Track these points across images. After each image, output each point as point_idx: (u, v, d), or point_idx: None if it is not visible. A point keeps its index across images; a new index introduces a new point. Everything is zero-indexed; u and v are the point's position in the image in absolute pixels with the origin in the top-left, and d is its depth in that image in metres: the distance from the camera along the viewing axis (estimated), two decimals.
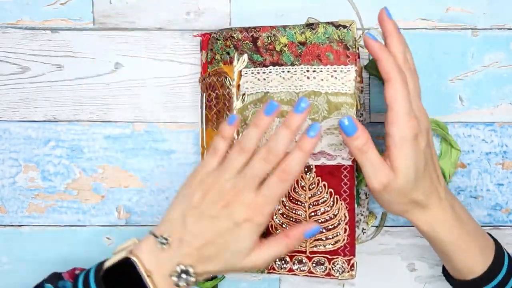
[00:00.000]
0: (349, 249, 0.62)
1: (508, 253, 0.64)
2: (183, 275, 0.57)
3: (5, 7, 0.73)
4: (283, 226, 0.64)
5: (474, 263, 0.62)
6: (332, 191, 0.63)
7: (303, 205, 0.63)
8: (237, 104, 0.66)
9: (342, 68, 0.62)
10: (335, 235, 0.63)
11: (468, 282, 0.62)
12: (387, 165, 0.58)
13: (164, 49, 0.73)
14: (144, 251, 0.58)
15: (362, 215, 0.70)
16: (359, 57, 0.65)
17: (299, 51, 0.63)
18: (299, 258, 0.64)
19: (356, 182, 0.64)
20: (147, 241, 0.59)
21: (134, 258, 0.57)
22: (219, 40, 0.67)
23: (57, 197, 0.74)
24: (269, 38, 0.64)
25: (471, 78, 0.73)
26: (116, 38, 0.73)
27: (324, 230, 0.63)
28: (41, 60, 0.73)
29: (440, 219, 0.61)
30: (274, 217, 0.65)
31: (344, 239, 0.62)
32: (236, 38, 0.66)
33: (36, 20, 0.73)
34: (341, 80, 0.62)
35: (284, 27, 0.64)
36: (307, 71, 0.63)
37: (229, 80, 0.66)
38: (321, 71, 0.63)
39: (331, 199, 0.63)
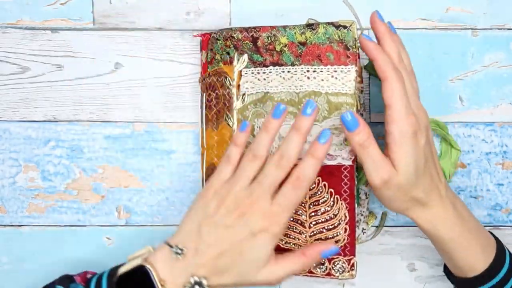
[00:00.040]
0: (349, 249, 0.63)
1: (509, 251, 0.64)
2: (197, 287, 0.57)
3: (5, 7, 0.73)
4: None
5: (476, 260, 0.62)
6: (333, 191, 0.63)
7: (303, 205, 0.63)
8: (237, 104, 0.66)
9: (342, 68, 0.62)
10: (335, 235, 0.63)
11: (470, 280, 0.62)
12: (388, 161, 0.58)
13: (164, 49, 0.73)
14: (159, 260, 0.58)
15: (362, 215, 0.70)
16: (359, 57, 0.65)
17: (299, 51, 0.63)
18: None
19: (356, 182, 0.64)
20: (162, 251, 0.58)
21: (148, 266, 0.57)
22: (219, 40, 0.67)
23: (57, 197, 0.74)
24: (269, 38, 0.64)
25: (471, 78, 0.73)
26: (116, 38, 0.73)
27: (324, 231, 0.63)
28: (41, 60, 0.73)
29: (441, 217, 0.61)
30: None
31: (344, 239, 0.63)
32: (236, 38, 0.66)
33: (36, 20, 0.73)
34: (341, 81, 0.62)
35: (284, 27, 0.64)
36: (307, 71, 0.63)
37: (229, 80, 0.66)
38: (321, 71, 0.63)
39: (332, 199, 0.63)
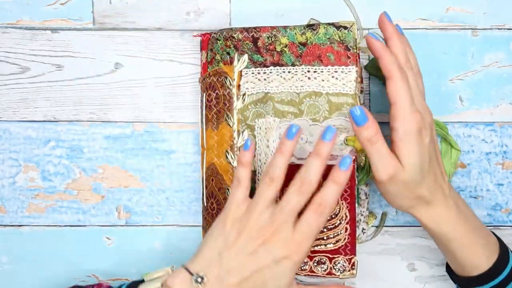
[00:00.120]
0: (350, 248, 0.63)
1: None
2: None
3: (5, 7, 0.73)
4: None
5: (479, 259, 0.62)
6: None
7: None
8: (237, 104, 0.66)
9: (343, 68, 0.62)
10: (336, 234, 0.63)
11: (473, 279, 0.63)
12: (395, 157, 0.58)
13: (164, 49, 0.73)
14: (177, 285, 0.57)
15: (362, 215, 0.70)
16: (359, 58, 0.65)
17: (300, 51, 0.63)
18: None
19: (356, 182, 0.64)
20: (182, 276, 0.58)
21: None
22: (219, 40, 0.67)
23: (57, 197, 0.74)
24: (270, 38, 0.64)
25: (471, 78, 0.73)
26: (116, 38, 0.73)
27: (325, 230, 0.63)
28: (41, 60, 0.73)
29: (444, 216, 0.61)
30: None
31: (345, 238, 0.63)
32: (236, 38, 0.66)
33: (36, 20, 0.73)
34: (342, 81, 0.62)
35: (285, 27, 0.64)
36: (308, 71, 0.63)
37: (229, 80, 0.66)
38: (322, 71, 0.63)
39: None
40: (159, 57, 0.73)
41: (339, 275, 0.63)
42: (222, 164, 0.67)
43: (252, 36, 0.65)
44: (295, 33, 0.63)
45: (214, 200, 0.68)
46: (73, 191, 0.74)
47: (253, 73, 0.65)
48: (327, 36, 0.62)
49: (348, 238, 0.63)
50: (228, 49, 0.66)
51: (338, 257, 0.63)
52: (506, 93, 0.73)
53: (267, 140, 0.64)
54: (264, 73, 0.65)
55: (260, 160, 0.65)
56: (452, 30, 0.72)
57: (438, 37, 0.72)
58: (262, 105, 0.64)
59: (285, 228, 0.57)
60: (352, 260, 0.63)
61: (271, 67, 0.64)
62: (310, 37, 0.63)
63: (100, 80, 0.73)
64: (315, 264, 0.63)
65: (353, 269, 0.63)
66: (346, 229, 0.63)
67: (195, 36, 0.71)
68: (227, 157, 0.66)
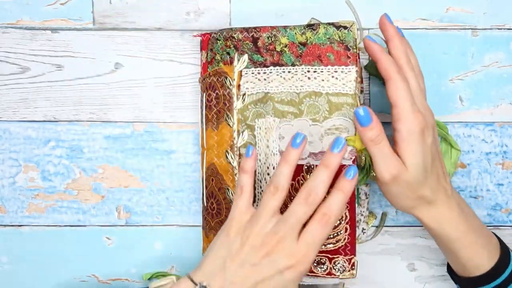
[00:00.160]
0: (349, 248, 0.63)
1: None
2: None
3: (5, 7, 0.73)
4: None
5: (480, 260, 0.62)
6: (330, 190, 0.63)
7: None
8: (237, 104, 0.66)
9: (342, 68, 0.62)
10: (335, 234, 0.63)
11: (474, 279, 0.63)
12: (398, 157, 0.58)
13: (164, 49, 0.73)
14: None
15: (362, 215, 0.70)
16: (359, 58, 0.65)
17: (300, 51, 0.63)
18: None
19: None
20: (186, 285, 0.58)
21: None
22: (219, 40, 0.67)
23: (57, 197, 0.74)
24: (270, 38, 0.64)
25: (471, 78, 0.73)
26: (116, 38, 0.73)
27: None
28: (41, 60, 0.73)
29: (446, 216, 0.61)
30: None
31: (345, 239, 0.62)
32: (236, 38, 0.66)
33: (36, 20, 0.73)
34: (342, 81, 0.62)
35: (285, 27, 0.64)
36: (308, 71, 0.63)
37: (229, 80, 0.66)
38: (322, 71, 0.63)
39: None
40: (159, 57, 0.73)
41: (339, 275, 0.63)
42: (222, 164, 0.67)
43: (252, 36, 0.65)
44: (295, 33, 0.63)
45: (214, 200, 0.68)
46: (73, 191, 0.74)
47: (253, 73, 0.65)
48: (327, 36, 0.62)
49: (348, 238, 0.63)
50: (228, 49, 0.66)
51: (338, 257, 0.63)
52: (506, 93, 0.73)
53: (267, 140, 0.64)
54: (264, 73, 0.65)
55: (260, 160, 0.65)
56: (452, 30, 0.72)
57: (438, 37, 0.72)
58: (262, 105, 0.64)
59: (289, 238, 0.56)
60: (352, 260, 0.63)
61: (271, 67, 0.64)
62: (310, 37, 0.63)
63: (100, 80, 0.73)
64: (315, 264, 0.63)
65: (353, 269, 0.63)
66: (346, 229, 0.62)
67: (195, 36, 0.71)
68: (227, 157, 0.66)
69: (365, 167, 0.65)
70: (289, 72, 0.64)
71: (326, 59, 0.63)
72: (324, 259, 0.63)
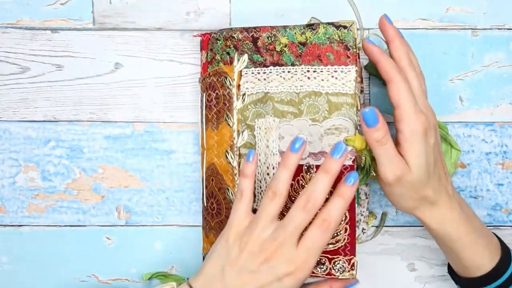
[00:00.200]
0: (349, 248, 0.62)
1: None
2: None
3: (5, 7, 0.73)
4: None
5: (481, 260, 0.62)
6: (333, 191, 0.62)
7: None
8: (237, 104, 0.66)
9: (342, 68, 0.62)
10: (335, 234, 0.62)
11: (475, 280, 0.63)
12: (402, 158, 0.58)
13: (164, 49, 0.73)
14: None
15: (362, 215, 0.70)
16: (359, 57, 0.65)
17: (300, 51, 0.63)
18: None
19: None
20: None
21: None
22: (219, 40, 0.67)
23: (57, 197, 0.74)
24: (270, 38, 0.64)
25: (471, 78, 0.73)
26: (116, 38, 0.73)
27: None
28: (41, 60, 0.73)
29: (448, 216, 0.61)
30: None
31: (344, 239, 0.62)
32: (236, 38, 0.66)
33: (36, 20, 0.73)
34: (342, 81, 0.62)
35: (285, 27, 0.64)
36: (308, 71, 0.63)
37: (229, 80, 0.66)
38: (322, 71, 0.63)
39: None
40: (159, 57, 0.73)
41: (338, 276, 0.63)
42: (222, 164, 0.67)
43: (252, 36, 0.65)
44: (295, 33, 0.63)
45: (214, 200, 0.68)
46: (73, 191, 0.74)
47: (253, 73, 0.65)
48: (327, 36, 0.62)
49: (347, 239, 0.62)
50: (228, 49, 0.66)
51: (337, 257, 0.63)
52: (506, 93, 0.73)
53: (266, 140, 0.64)
54: (264, 73, 0.65)
55: (260, 160, 0.65)
56: (452, 30, 0.72)
57: (438, 37, 0.72)
58: (262, 105, 0.64)
59: (288, 244, 0.56)
60: (352, 261, 0.63)
61: (271, 67, 0.64)
62: (310, 37, 0.63)
63: (100, 80, 0.73)
64: (315, 264, 0.63)
65: (352, 269, 0.63)
66: (346, 229, 0.62)
67: (195, 36, 0.71)
68: (227, 157, 0.66)
69: (365, 167, 0.65)
70: (288, 72, 0.64)
71: (326, 59, 0.63)
72: (323, 259, 0.63)
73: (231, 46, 0.66)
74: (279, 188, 0.58)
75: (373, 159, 0.64)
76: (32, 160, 0.74)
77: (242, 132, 0.65)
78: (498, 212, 0.74)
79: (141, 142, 0.74)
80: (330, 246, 0.63)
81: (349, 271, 0.62)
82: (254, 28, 0.65)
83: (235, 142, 0.66)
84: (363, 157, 0.64)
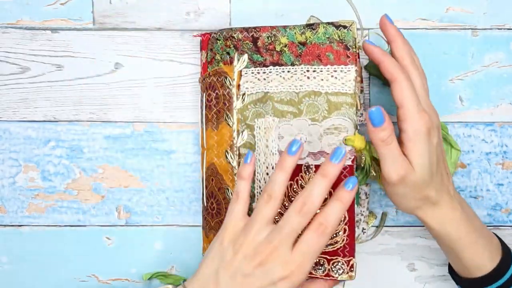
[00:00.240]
0: (348, 249, 0.62)
1: None
2: None
3: (5, 7, 0.73)
4: None
5: (482, 260, 0.62)
6: (332, 191, 0.62)
7: None
8: (237, 104, 0.66)
9: (342, 68, 0.62)
10: (334, 235, 0.62)
11: (476, 280, 0.63)
12: (406, 158, 0.58)
13: (164, 49, 0.73)
14: None
15: (362, 215, 0.70)
16: (359, 57, 0.65)
17: (299, 51, 0.63)
18: None
19: None
20: None
21: None
22: (219, 40, 0.67)
23: (57, 197, 0.74)
24: (269, 38, 0.64)
25: (471, 78, 0.73)
26: (116, 38, 0.73)
27: None
28: (41, 60, 0.73)
29: (449, 216, 0.61)
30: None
31: (343, 240, 0.62)
32: (236, 38, 0.66)
33: (36, 20, 0.73)
34: (341, 80, 0.62)
35: (285, 27, 0.64)
36: (307, 71, 0.63)
37: (229, 80, 0.66)
38: (321, 71, 0.63)
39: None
40: (159, 57, 0.73)
41: (337, 277, 0.62)
42: (222, 164, 0.67)
43: (252, 36, 0.65)
44: (295, 33, 0.63)
45: (214, 200, 0.68)
46: (73, 191, 0.74)
47: (252, 73, 0.65)
48: (327, 36, 0.62)
49: (346, 240, 0.62)
50: (228, 49, 0.66)
51: (336, 258, 0.62)
52: (506, 93, 0.73)
53: (266, 140, 0.64)
54: (264, 72, 0.65)
55: (259, 160, 0.65)
56: (452, 30, 0.72)
57: (438, 37, 0.72)
58: (261, 104, 0.64)
59: (284, 247, 0.55)
60: (351, 262, 0.62)
61: (271, 67, 0.64)
62: (310, 37, 0.63)
63: (100, 80, 0.73)
64: (313, 265, 0.63)
65: (351, 271, 0.62)
66: (345, 230, 0.62)
67: (195, 36, 0.71)
68: (226, 157, 0.66)
69: (365, 167, 0.65)
70: (288, 71, 0.64)
71: (326, 58, 0.63)
72: (322, 260, 0.63)
73: (231, 46, 0.66)
74: (274, 190, 0.57)
75: (372, 159, 0.64)
76: (32, 160, 0.74)
77: (242, 132, 0.65)
78: (498, 212, 0.73)
79: (141, 142, 0.74)
80: (328, 247, 0.62)
81: (347, 272, 0.62)
82: (254, 28, 0.65)
83: (235, 142, 0.66)
84: (363, 157, 0.64)
